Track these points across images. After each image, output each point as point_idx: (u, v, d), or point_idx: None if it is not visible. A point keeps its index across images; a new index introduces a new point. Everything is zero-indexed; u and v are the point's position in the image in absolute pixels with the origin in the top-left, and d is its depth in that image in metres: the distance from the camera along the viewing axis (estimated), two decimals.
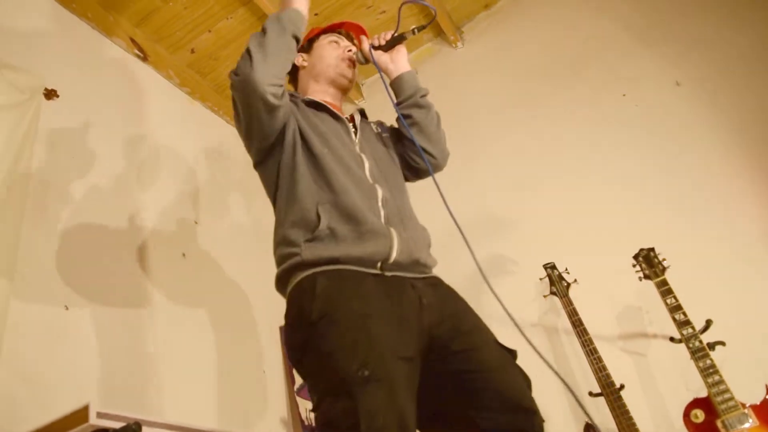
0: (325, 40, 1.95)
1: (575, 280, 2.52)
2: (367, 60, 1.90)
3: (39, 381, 1.86)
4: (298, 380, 2.91)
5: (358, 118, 1.91)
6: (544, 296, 2.61)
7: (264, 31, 1.64)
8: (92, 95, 2.60)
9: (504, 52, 3.36)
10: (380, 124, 2.01)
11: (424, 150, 1.83)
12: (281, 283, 1.59)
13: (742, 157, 2.55)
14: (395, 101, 1.88)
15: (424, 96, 1.88)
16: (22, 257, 1.95)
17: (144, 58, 3.04)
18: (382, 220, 1.59)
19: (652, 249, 2.28)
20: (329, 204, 1.57)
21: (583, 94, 3.02)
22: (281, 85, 1.62)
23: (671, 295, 2.14)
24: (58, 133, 2.35)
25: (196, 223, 2.88)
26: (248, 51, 1.61)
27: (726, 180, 2.56)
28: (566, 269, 2.57)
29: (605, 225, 2.71)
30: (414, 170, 1.92)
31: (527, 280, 2.78)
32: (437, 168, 1.90)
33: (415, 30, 1.86)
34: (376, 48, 1.88)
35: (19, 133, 2.13)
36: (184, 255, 2.70)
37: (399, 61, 1.89)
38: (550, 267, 2.59)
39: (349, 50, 1.94)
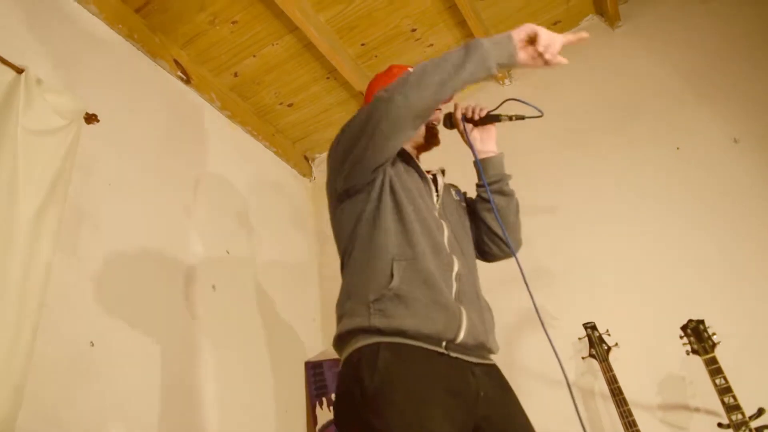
0: None
1: (616, 344, 2.39)
2: (453, 126, 1.84)
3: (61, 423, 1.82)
4: (321, 420, 2.84)
5: (441, 180, 1.85)
6: (583, 358, 2.49)
7: (464, 57, 1.49)
8: (132, 119, 2.58)
9: (553, 91, 3.24)
10: (458, 191, 1.95)
11: (500, 238, 1.79)
12: (341, 341, 1.51)
13: None
14: (478, 183, 1.82)
15: (508, 183, 1.81)
16: (51, 289, 1.91)
17: (187, 81, 3.01)
18: (453, 295, 1.54)
19: (702, 321, 2.15)
20: (405, 262, 1.51)
21: (634, 144, 2.89)
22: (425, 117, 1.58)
23: (721, 375, 2.01)
24: (96, 158, 2.32)
25: (228, 252, 2.83)
26: (420, 71, 1.51)
27: None
28: (607, 331, 2.44)
29: (652, 286, 2.57)
30: (482, 252, 1.88)
31: (565, 337, 2.66)
32: (508, 256, 1.85)
33: (513, 117, 1.77)
34: (468, 121, 1.81)
35: (57, 160, 2.10)
36: (214, 287, 2.65)
37: (488, 141, 1.82)
38: (590, 327, 2.47)
39: (438, 108, 1.83)
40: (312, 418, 2.86)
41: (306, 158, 3.91)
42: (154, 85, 2.82)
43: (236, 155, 3.24)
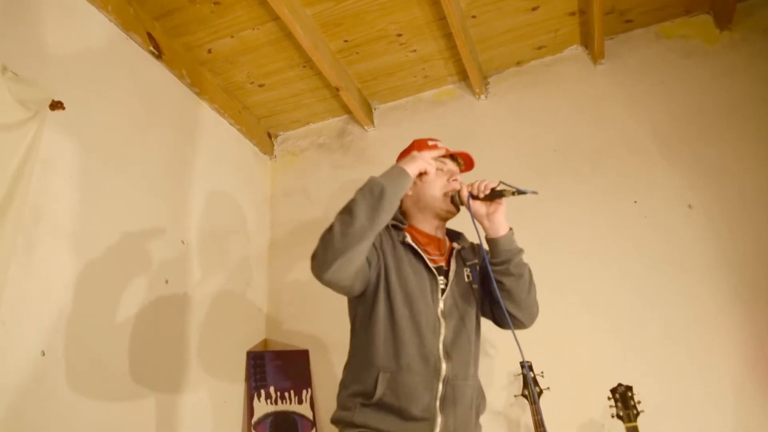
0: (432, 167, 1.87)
1: (548, 388, 2.54)
2: (462, 203, 1.87)
3: None
4: (258, 413, 2.91)
5: (454, 265, 1.88)
6: (515, 396, 2.64)
7: (353, 207, 1.62)
8: (99, 102, 2.47)
9: (525, 118, 3.28)
10: (473, 266, 1.95)
11: (512, 315, 1.84)
12: (335, 422, 1.75)
13: (738, 302, 2.56)
14: (488, 260, 1.84)
15: (518, 262, 1.83)
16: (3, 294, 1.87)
17: (158, 56, 2.88)
18: (437, 401, 1.68)
19: (630, 388, 2.31)
20: (390, 375, 1.67)
21: (594, 189, 2.98)
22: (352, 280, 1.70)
23: None
24: (57, 150, 2.22)
25: (182, 242, 2.79)
26: (330, 236, 1.60)
27: (719, 325, 2.56)
28: (542, 373, 2.59)
29: (592, 339, 2.72)
30: (494, 320, 1.97)
31: (500, 366, 2.81)
32: (524, 328, 1.91)
33: (516, 192, 1.79)
34: (474, 198, 1.83)
35: (18, 155, 2.01)
36: (167, 282, 2.63)
37: (496, 219, 1.83)
38: (527, 366, 2.61)
39: (454, 179, 1.91)
40: (249, 410, 2.93)
41: (269, 135, 3.83)
42: (124, 63, 2.67)
43: (202, 134, 3.15)
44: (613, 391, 2.33)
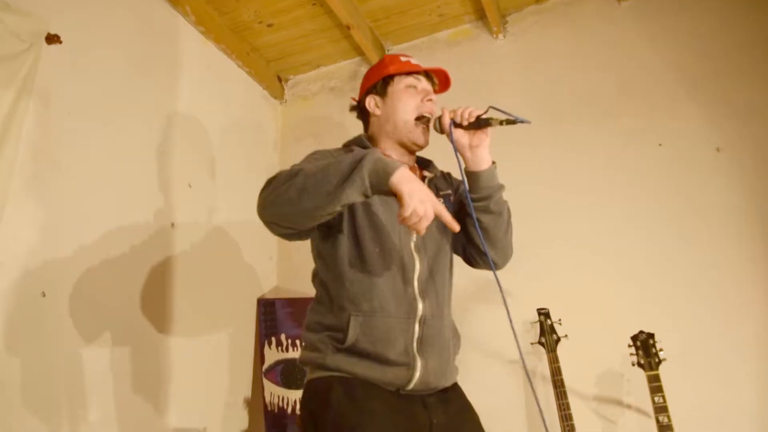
0: (401, 84, 1.75)
1: (566, 335, 2.46)
2: (442, 131, 1.71)
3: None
4: (268, 360, 2.87)
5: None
6: (531, 343, 2.56)
7: (336, 170, 1.36)
8: (98, 36, 2.36)
9: (545, 58, 3.12)
10: (447, 197, 1.80)
11: (486, 254, 1.70)
12: (303, 362, 1.61)
13: (764, 250, 2.45)
14: (468, 195, 1.69)
15: (498, 199, 1.70)
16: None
17: None
18: (414, 343, 1.54)
19: (652, 335, 2.22)
20: (363, 318, 1.52)
21: (617, 131, 2.84)
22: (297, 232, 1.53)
23: (660, 394, 2.10)
24: (55, 85, 2.12)
25: (189, 186, 2.71)
26: (288, 178, 1.41)
27: (743, 273, 2.45)
28: (559, 320, 2.51)
29: (613, 285, 2.63)
30: (467, 260, 1.84)
31: (516, 315, 2.70)
32: (497, 269, 1.76)
33: (504, 122, 1.62)
34: (457, 125, 1.67)
35: (12, 88, 1.92)
36: (173, 225, 2.56)
37: (478, 150, 1.67)
38: (543, 314, 2.52)
39: (429, 99, 1.75)
40: (260, 357, 2.89)
41: (279, 79, 3.71)
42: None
43: (208, 75, 3.03)
44: (634, 338, 2.25)
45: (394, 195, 1.32)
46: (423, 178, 1.79)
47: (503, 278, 2.78)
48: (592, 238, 2.72)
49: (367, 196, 1.35)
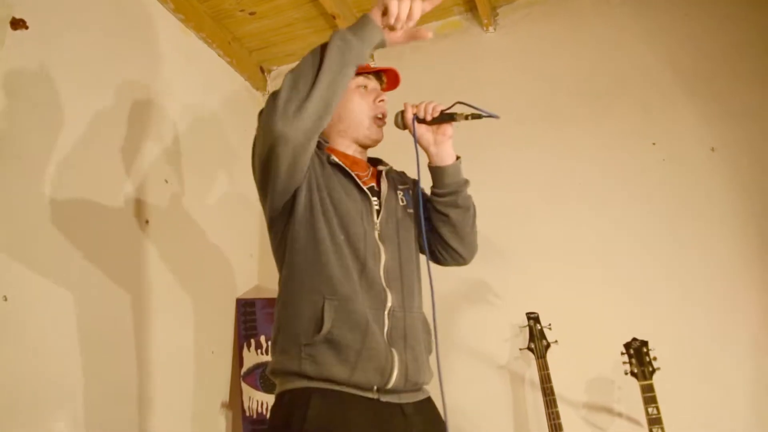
0: (352, 83, 1.68)
1: (556, 341, 2.38)
2: (405, 127, 1.66)
3: None
4: (247, 363, 2.77)
5: (385, 186, 1.69)
6: (520, 349, 2.49)
7: (320, 59, 1.38)
8: (68, 23, 2.21)
9: (537, 53, 3.03)
10: (406, 190, 1.77)
11: (453, 249, 1.70)
12: (274, 376, 1.51)
13: (760, 254, 2.39)
14: (432, 191, 1.69)
15: (465, 194, 1.68)
16: None
17: None
18: (385, 335, 1.47)
19: (646, 343, 2.15)
20: (338, 302, 1.43)
21: (609, 130, 2.76)
22: (314, 141, 1.45)
23: (654, 405, 2.03)
24: (21, 75, 1.99)
25: (166, 181, 2.59)
26: (289, 88, 1.37)
27: (738, 277, 2.39)
28: (549, 325, 2.43)
29: (604, 289, 2.55)
30: (434, 257, 1.78)
31: (504, 317, 2.65)
32: (462, 265, 1.77)
33: (470, 117, 1.57)
34: (420, 121, 1.62)
35: None
36: (147, 222, 2.44)
37: (443, 146, 1.65)
38: (533, 318, 2.44)
39: (381, 99, 1.71)
40: (239, 360, 2.78)
41: (262, 70, 3.58)
42: None
43: (187, 65, 2.90)
44: (627, 345, 2.17)
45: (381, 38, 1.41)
46: (378, 173, 1.74)
47: (491, 278, 2.74)
48: (583, 240, 2.64)
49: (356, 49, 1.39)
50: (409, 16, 1.41)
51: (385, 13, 1.41)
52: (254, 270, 3.13)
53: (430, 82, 3.17)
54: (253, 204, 3.20)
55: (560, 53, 2.98)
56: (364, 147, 1.75)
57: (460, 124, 1.61)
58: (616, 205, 2.64)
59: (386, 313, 1.49)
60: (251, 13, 3.10)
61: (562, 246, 2.67)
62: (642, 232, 2.57)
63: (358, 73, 1.69)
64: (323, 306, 1.42)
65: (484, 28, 3.17)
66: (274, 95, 1.39)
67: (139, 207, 2.40)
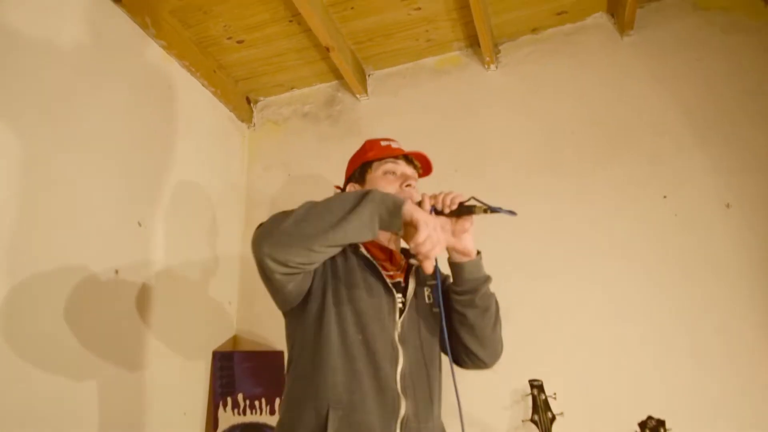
0: (379, 170, 1.63)
1: (561, 413, 2.19)
2: None
3: None
4: (223, 425, 2.52)
5: (413, 282, 1.56)
6: (523, 421, 2.28)
7: (341, 202, 1.31)
8: (39, 49, 2.00)
9: (540, 94, 2.86)
10: (435, 286, 1.63)
11: (472, 352, 1.57)
12: None
13: None
14: (451, 288, 1.57)
15: (485, 293, 1.54)
16: None
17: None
18: None
19: (663, 423, 1.96)
20: (342, 412, 1.33)
21: (617, 179, 2.59)
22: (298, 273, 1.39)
23: None
24: None
25: (139, 225, 2.36)
26: (286, 213, 1.34)
27: (759, 344, 2.21)
28: (554, 394, 2.23)
29: (615, 360, 2.35)
30: (456, 360, 1.64)
31: (504, 383, 2.44)
32: (483, 368, 1.65)
33: (489, 210, 1.45)
34: (438, 213, 1.49)
35: None
36: (116, 272, 2.20)
37: (462, 241, 1.52)
38: (537, 386, 2.24)
39: (407, 184, 1.62)
40: (213, 421, 2.53)
41: (248, 100, 3.37)
42: (74, 6, 2.20)
43: (168, 94, 2.68)
44: (642, 425, 1.98)
45: (398, 230, 1.29)
46: (409, 266, 1.64)
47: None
48: (591, 299, 2.45)
49: (372, 233, 1.28)
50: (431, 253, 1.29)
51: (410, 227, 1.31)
52: (233, 318, 2.89)
53: (426, 120, 3.00)
54: (233, 246, 2.98)
55: (565, 95, 2.82)
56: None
57: (478, 217, 1.51)
58: (625, 262, 2.46)
59: (398, 423, 1.36)
60: (239, 41, 2.91)
61: (568, 306, 2.48)
62: (654, 294, 2.38)
63: (385, 156, 1.65)
64: (327, 415, 1.32)
65: (486, 66, 3.00)
66: (276, 221, 1.34)
67: (109, 254, 2.17)
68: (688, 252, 2.41)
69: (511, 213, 1.45)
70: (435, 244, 1.27)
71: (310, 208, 1.30)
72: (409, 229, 1.29)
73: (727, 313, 2.29)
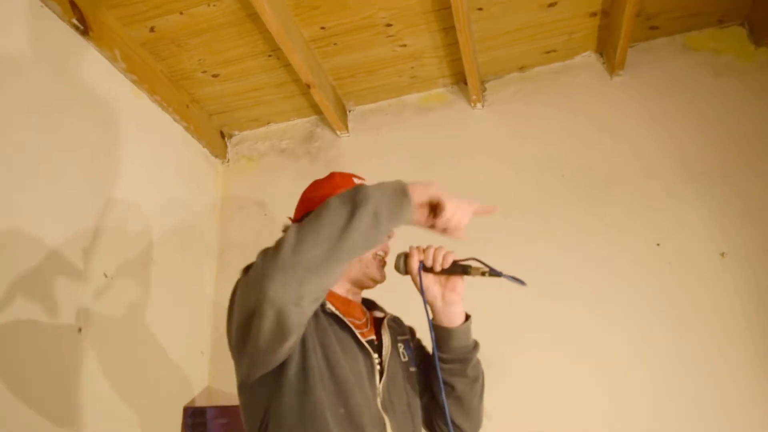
0: None
1: None
2: (407, 272, 1.37)
3: None
4: None
5: (387, 339, 1.37)
6: None
7: (349, 214, 1.08)
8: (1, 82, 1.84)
9: (528, 134, 2.77)
10: (406, 342, 1.47)
11: (456, 425, 1.40)
12: None
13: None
14: (437, 355, 1.37)
15: (475, 362, 1.40)
16: None
17: (85, 31, 2.24)
18: None
19: None
20: None
21: (608, 224, 2.50)
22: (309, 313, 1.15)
23: None
24: None
25: (105, 276, 2.18)
26: (294, 238, 1.07)
27: (757, 399, 2.13)
28: None
29: (607, 405, 2.24)
30: (430, 427, 1.49)
31: None
32: None
33: (487, 273, 1.31)
34: (426, 270, 1.34)
35: None
36: (80, 330, 2.02)
37: (451, 300, 1.36)
38: None
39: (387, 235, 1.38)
40: None
41: (222, 134, 3.22)
42: (39, 38, 2.04)
43: (138, 132, 2.52)
44: None
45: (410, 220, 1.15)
46: (375, 320, 1.46)
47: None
48: (581, 350, 2.34)
49: (386, 232, 1.11)
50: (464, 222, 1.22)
51: (433, 208, 1.20)
52: (205, 369, 2.70)
53: (409, 159, 2.89)
54: (205, 290, 2.81)
55: (553, 135, 2.73)
56: (361, 287, 1.45)
57: (474, 280, 1.34)
58: (616, 312, 2.36)
59: None
60: (214, 75, 2.77)
61: (559, 355, 2.36)
62: (647, 346, 2.28)
63: None
64: None
65: (472, 104, 2.90)
66: (267, 257, 1.10)
67: (71, 310, 1.99)
68: (682, 302, 2.32)
69: (519, 281, 1.30)
70: (465, 210, 1.20)
71: (299, 230, 1.08)
72: (421, 210, 1.19)
73: (722, 366, 2.21)
